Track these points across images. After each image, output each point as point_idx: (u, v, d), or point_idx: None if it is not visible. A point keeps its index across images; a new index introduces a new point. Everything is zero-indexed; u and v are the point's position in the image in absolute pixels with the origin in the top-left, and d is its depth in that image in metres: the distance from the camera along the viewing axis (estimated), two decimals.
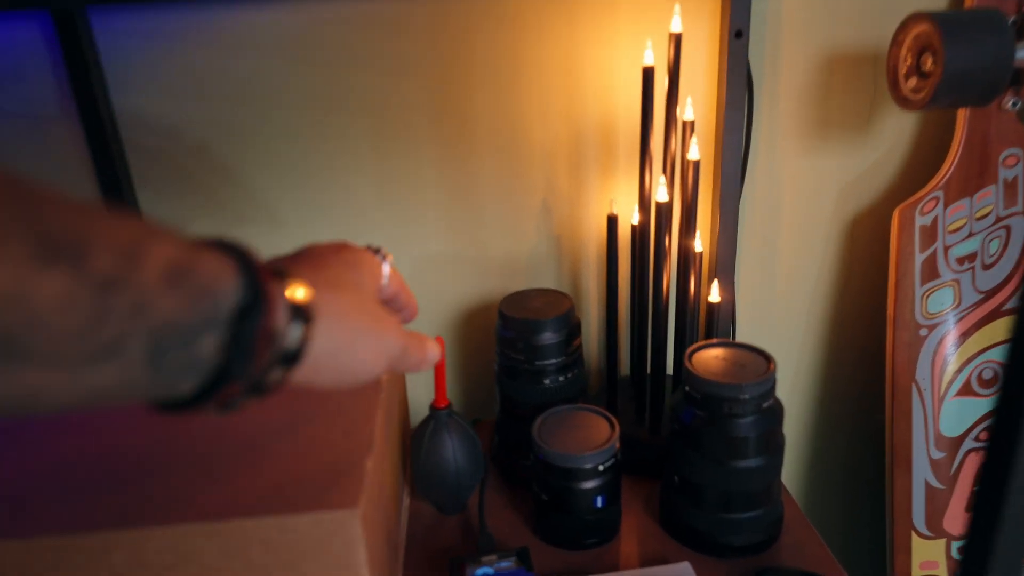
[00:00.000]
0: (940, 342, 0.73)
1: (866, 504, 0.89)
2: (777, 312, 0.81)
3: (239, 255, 0.28)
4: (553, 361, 0.64)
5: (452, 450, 0.59)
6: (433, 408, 0.61)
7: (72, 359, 0.21)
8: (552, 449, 0.57)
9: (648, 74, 0.62)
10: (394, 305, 0.43)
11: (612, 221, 0.68)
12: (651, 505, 0.65)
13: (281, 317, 0.28)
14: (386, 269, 0.40)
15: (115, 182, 0.67)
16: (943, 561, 0.76)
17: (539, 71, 0.69)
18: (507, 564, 0.55)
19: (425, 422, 0.62)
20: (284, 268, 0.30)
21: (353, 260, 0.37)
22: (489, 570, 0.54)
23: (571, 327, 0.65)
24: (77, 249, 0.21)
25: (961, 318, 0.73)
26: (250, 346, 0.27)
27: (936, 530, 0.75)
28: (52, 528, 0.43)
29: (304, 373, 0.31)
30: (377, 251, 0.41)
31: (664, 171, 0.66)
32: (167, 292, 0.24)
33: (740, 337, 0.80)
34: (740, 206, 0.74)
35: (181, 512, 0.44)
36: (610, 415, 0.60)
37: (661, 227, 0.65)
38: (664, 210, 0.64)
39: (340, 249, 0.38)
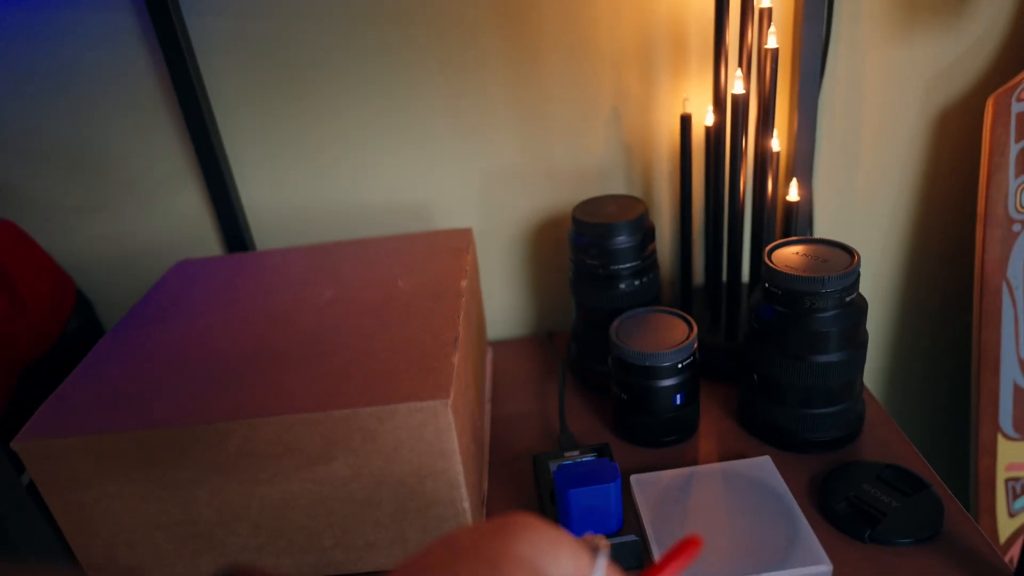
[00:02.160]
0: None
1: (949, 406, 0.87)
2: (858, 211, 0.78)
3: None
4: (628, 265, 0.64)
5: None
6: None
7: None
8: (631, 348, 0.57)
9: None
10: None
11: (685, 121, 0.66)
12: (728, 407, 0.65)
13: None
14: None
15: (192, 96, 0.69)
16: None
17: None
18: (589, 459, 0.57)
19: None
20: None
21: None
22: (570, 464, 0.56)
23: (645, 231, 0.65)
24: None
25: None
26: None
27: None
28: (173, 420, 0.47)
29: None
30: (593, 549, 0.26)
31: (740, 64, 0.63)
32: None
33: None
34: (819, 100, 0.71)
35: (286, 404, 0.47)
36: (687, 316, 0.60)
37: (737, 123, 0.63)
38: (741, 104, 0.62)
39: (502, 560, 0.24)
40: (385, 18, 0.68)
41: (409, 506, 0.49)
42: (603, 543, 0.27)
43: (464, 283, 0.60)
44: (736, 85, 0.61)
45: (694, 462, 0.59)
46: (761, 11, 0.61)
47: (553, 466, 0.56)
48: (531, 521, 0.25)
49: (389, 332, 0.54)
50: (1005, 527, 0.75)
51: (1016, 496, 0.74)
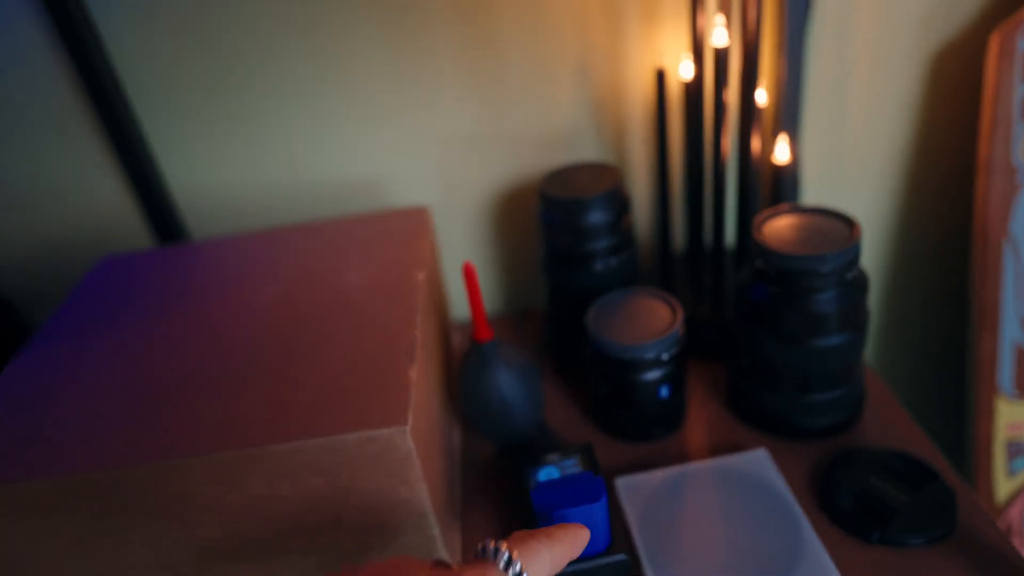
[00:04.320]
0: None
1: (943, 369, 0.84)
2: (848, 166, 0.72)
3: None
4: (603, 243, 0.58)
5: (500, 389, 0.52)
6: (475, 342, 0.52)
7: None
8: (610, 339, 0.52)
9: None
10: None
11: (661, 76, 0.59)
12: (715, 388, 0.61)
13: None
14: None
15: (95, 69, 0.60)
16: None
17: None
18: (571, 463, 0.51)
19: (467, 356, 0.54)
20: None
21: None
22: (555, 471, 0.51)
23: (621, 203, 0.58)
24: None
25: None
26: None
27: None
28: (95, 463, 0.41)
29: None
30: (498, 556, 0.30)
31: (720, 8, 0.56)
32: None
33: (806, 198, 0.73)
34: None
35: (223, 440, 0.41)
36: (671, 298, 0.55)
37: (720, 78, 0.56)
38: (722, 57, 0.55)
39: None
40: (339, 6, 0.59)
41: (373, 539, 0.44)
42: (512, 549, 0.30)
43: (421, 276, 0.53)
44: (717, 35, 0.54)
45: (683, 455, 0.55)
46: None
47: (535, 476, 0.51)
48: (412, 565, 0.29)
49: (338, 341, 0.48)
50: (1002, 487, 0.72)
51: (1013, 456, 0.72)
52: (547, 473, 0.51)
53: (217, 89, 0.64)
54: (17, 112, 0.63)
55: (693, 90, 0.59)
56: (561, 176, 0.60)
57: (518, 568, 0.29)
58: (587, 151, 0.70)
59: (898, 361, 0.85)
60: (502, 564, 0.29)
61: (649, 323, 0.53)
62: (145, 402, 0.45)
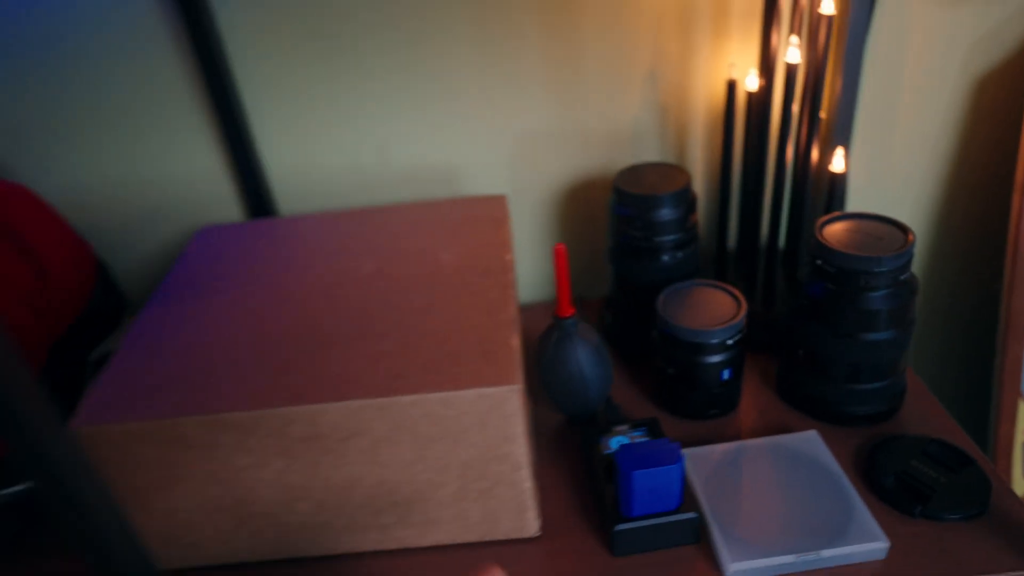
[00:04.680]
0: None
1: (970, 371, 0.89)
2: (891, 176, 0.77)
3: None
4: (671, 237, 0.63)
5: (579, 363, 0.58)
6: (557, 318, 0.57)
7: None
8: (680, 324, 0.57)
9: None
10: None
11: (731, 86, 0.65)
12: (765, 378, 0.66)
13: None
14: None
15: (209, 49, 0.66)
16: None
17: None
18: (639, 434, 0.57)
19: (548, 331, 0.59)
20: None
21: None
22: (624, 439, 0.56)
23: (689, 202, 0.64)
24: None
25: None
26: None
27: None
28: (235, 405, 0.46)
29: None
30: None
31: (793, 30, 0.61)
32: None
33: (851, 204, 0.78)
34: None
35: (351, 389, 0.46)
36: (735, 291, 0.60)
37: (790, 92, 0.61)
38: (794, 73, 0.60)
39: None
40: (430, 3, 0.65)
41: (472, 487, 0.50)
42: None
43: (509, 256, 0.59)
44: (790, 53, 0.60)
45: (738, 434, 0.60)
46: None
47: (606, 443, 0.56)
48: None
49: (441, 310, 0.53)
50: (1019, 487, 0.78)
51: None
52: (618, 441, 0.56)
53: (316, 74, 0.69)
54: (131, 85, 0.68)
55: (760, 101, 0.65)
56: (634, 173, 0.66)
57: None
58: (648, 152, 0.75)
59: (928, 360, 0.90)
60: None
61: (715, 312, 0.59)
62: (275, 354, 0.50)
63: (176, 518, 0.50)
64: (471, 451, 0.48)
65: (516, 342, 0.49)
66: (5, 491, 0.56)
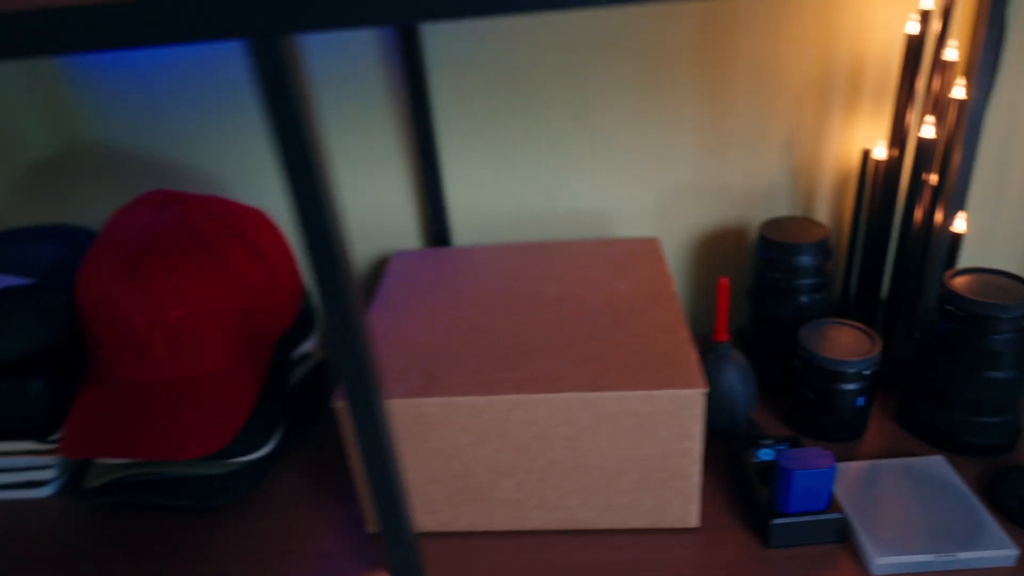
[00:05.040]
0: None
1: None
2: (1000, 237, 0.86)
3: None
4: (809, 281, 0.73)
5: (731, 382, 0.67)
6: (714, 341, 0.68)
7: None
8: (822, 353, 0.66)
9: (925, 16, 0.67)
10: None
11: (866, 155, 0.75)
12: (884, 409, 0.74)
13: None
14: None
15: (422, 104, 0.79)
16: None
17: (799, 14, 0.75)
18: (782, 447, 0.66)
19: (704, 354, 0.69)
20: None
21: None
22: (771, 452, 0.65)
23: (826, 251, 0.73)
24: None
25: None
26: None
27: None
28: (470, 390, 0.57)
29: None
30: None
31: (927, 109, 0.71)
32: None
33: (962, 261, 0.86)
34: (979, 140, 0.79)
35: (567, 384, 0.57)
36: (869, 330, 0.69)
37: (922, 162, 0.71)
38: (928, 146, 0.70)
39: None
40: (594, 45, 0.77)
41: (651, 477, 0.59)
42: None
43: (673, 289, 0.69)
44: (925, 130, 0.70)
45: (867, 456, 0.68)
46: (945, 63, 0.69)
47: (754, 453, 0.65)
48: None
49: (624, 328, 0.63)
50: None
51: None
52: (765, 452, 0.65)
53: (499, 126, 0.82)
54: (352, 127, 0.82)
55: (889, 168, 0.75)
56: (777, 224, 0.76)
57: None
58: (779, 208, 0.85)
59: None
60: None
61: (851, 346, 0.67)
62: (492, 355, 0.61)
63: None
64: (657, 445, 0.57)
65: (695, 356, 0.59)
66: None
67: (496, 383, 0.58)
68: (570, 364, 0.59)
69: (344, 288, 0.40)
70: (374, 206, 0.87)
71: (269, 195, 0.87)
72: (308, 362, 0.84)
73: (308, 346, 0.84)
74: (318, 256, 0.39)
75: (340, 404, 0.58)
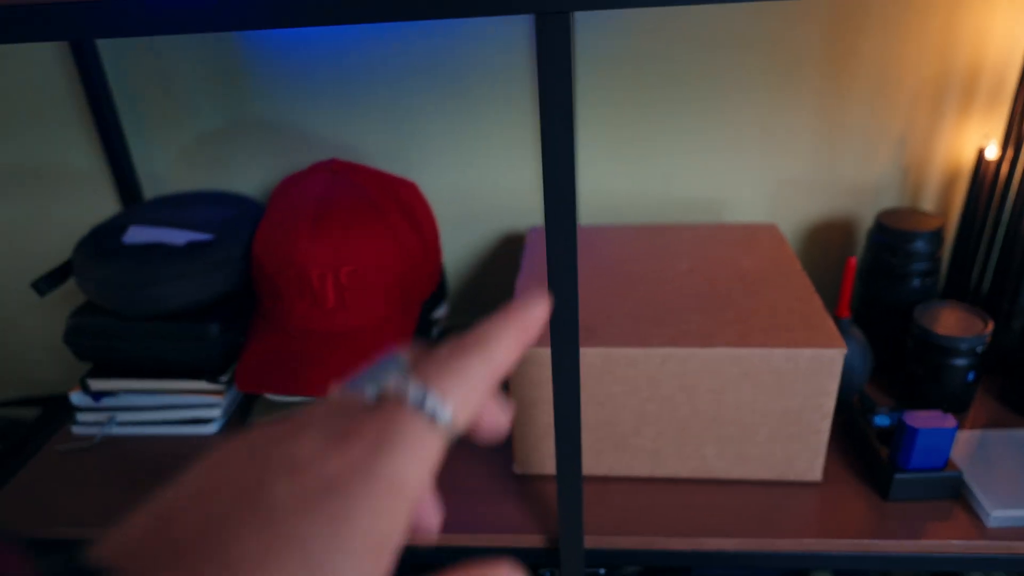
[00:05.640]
0: None
1: None
2: None
3: None
4: (922, 266, 0.79)
5: (851, 354, 0.73)
6: (837, 317, 0.74)
7: None
8: (937, 331, 0.72)
9: None
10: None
11: (981, 154, 0.80)
12: (989, 388, 0.79)
13: None
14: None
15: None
16: None
17: (922, 17, 0.81)
18: (897, 415, 0.72)
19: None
20: None
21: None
22: (885, 418, 0.71)
23: (939, 240, 0.79)
24: None
25: None
26: None
27: None
28: (630, 342, 0.64)
29: None
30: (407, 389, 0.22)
31: None
32: None
33: None
34: None
35: (715, 340, 0.64)
36: (981, 311, 0.75)
37: None
38: None
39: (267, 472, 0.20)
40: (725, 43, 0.84)
41: (784, 431, 0.66)
42: (436, 389, 0.22)
43: (799, 266, 0.75)
44: None
45: (973, 427, 0.74)
46: None
47: (874, 417, 0.71)
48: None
49: (759, 297, 0.70)
50: None
51: None
52: (880, 419, 0.71)
53: (630, 113, 0.89)
54: (496, 112, 0.90)
55: (1002, 167, 0.80)
56: (894, 213, 0.81)
57: (434, 405, 0.22)
58: (887, 202, 0.91)
59: None
60: (413, 401, 0.22)
61: (964, 325, 0.73)
62: (644, 315, 0.68)
63: (548, 433, 0.68)
64: (794, 400, 0.64)
65: (832, 322, 0.65)
66: None
67: (651, 337, 0.65)
68: (716, 325, 0.66)
69: (571, 245, 0.47)
70: (503, 185, 0.94)
71: (414, 171, 0.95)
72: (440, 324, 0.92)
73: (441, 312, 0.92)
74: (555, 213, 0.47)
75: None
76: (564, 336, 0.52)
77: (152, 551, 0.18)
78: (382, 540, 0.19)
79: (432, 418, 0.22)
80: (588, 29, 0.84)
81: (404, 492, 0.20)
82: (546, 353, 0.65)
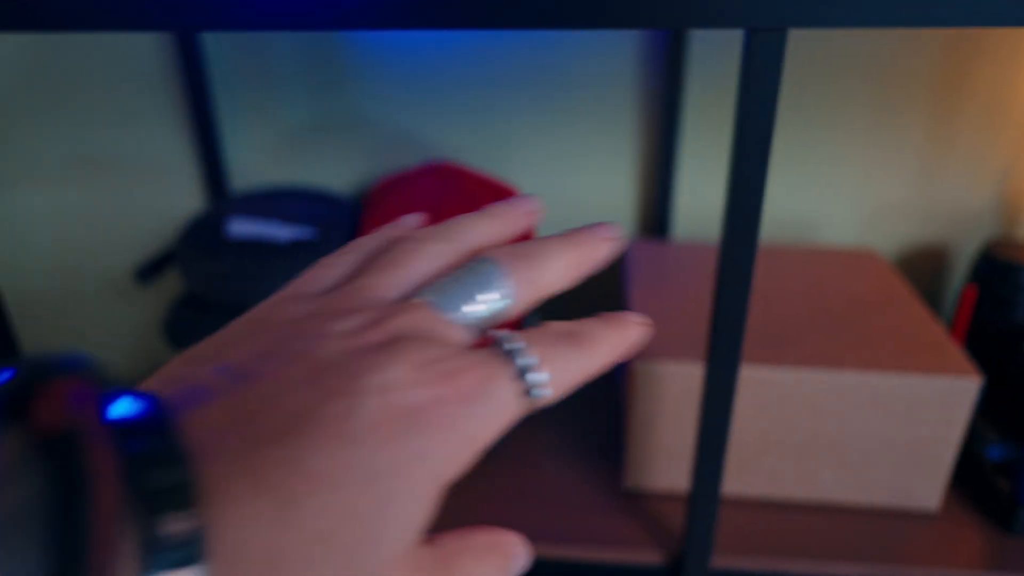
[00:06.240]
0: None
1: None
2: None
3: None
4: None
5: None
6: None
7: None
8: None
9: None
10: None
11: None
12: None
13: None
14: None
15: (673, 111, 0.86)
16: None
17: None
18: (1012, 444, 0.71)
19: None
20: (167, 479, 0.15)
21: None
22: (999, 448, 0.70)
23: None
24: None
25: None
26: None
27: None
28: (758, 361, 0.63)
29: None
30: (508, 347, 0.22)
31: None
32: None
33: None
34: None
35: (842, 362, 0.63)
36: None
37: None
38: None
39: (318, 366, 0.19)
40: (833, 63, 0.83)
41: (907, 459, 0.65)
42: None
43: (909, 294, 0.75)
44: None
45: None
46: None
47: (988, 447, 0.70)
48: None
49: (879, 321, 0.69)
50: None
51: None
52: (994, 451, 0.70)
53: (731, 131, 0.88)
54: (603, 114, 0.90)
55: None
56: (1004, 243, 0.81)
57: (535, 381, 0.21)
58: (984, 233, 0.90)
59: None
60: (520, 366, 0.21)
61: None
62: (767, 334, 0.68)
63: (667, 446, 0.68)
64: (922, 429, 0.63)
65: (960, 350, 0.65)
66: None
67: (782, 356, 0.64)
68: (841, 348, 0.65)
69: (748, 267, 0.47)
70: (598, 189, 0.94)
71: (507, 177, 0.94)
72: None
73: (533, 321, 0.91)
74: (736, 231, 0.46)
75: (638, 367, 0.65)
76: (726, 358, 0.51)
77: (233, 445, 0.17)
78: (437, 492, 0.19)
79: (526, 392, 0.21)
80: (703, 44, 0.84)
81: (471, 451, 0.20)
82: (667, 370, 0.64)
